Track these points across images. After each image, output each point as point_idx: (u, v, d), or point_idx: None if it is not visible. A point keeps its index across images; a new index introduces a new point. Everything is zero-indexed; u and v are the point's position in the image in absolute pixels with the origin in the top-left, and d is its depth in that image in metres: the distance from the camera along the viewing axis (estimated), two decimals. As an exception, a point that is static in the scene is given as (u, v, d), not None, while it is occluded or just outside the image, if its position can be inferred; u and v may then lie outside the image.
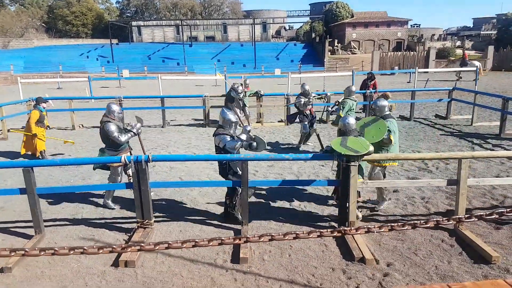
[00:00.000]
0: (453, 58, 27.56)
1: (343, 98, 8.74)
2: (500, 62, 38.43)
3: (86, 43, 54.38)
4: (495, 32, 58.34)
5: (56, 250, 2.23)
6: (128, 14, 69.24)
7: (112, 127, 5.78)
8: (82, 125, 12.81)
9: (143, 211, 5.07)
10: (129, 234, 5.17)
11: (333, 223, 5.38)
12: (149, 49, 49.28)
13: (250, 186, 5.12)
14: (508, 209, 2.12)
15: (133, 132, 6.04)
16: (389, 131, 5.44)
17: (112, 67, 37.55)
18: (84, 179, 7.53)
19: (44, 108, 9.06)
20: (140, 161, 4.84)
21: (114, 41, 48.81)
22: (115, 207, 6.04)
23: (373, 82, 14.05)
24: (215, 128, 5.47)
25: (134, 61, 43.37)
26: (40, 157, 8.84)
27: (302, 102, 9.30)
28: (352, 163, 4.80)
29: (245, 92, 12.34)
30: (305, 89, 9.61)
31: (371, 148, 4.83)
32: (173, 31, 58.16)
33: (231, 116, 5.32)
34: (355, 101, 8.71)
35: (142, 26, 58.54)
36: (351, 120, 5.35)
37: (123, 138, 5.83)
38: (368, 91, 13.23)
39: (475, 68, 21.45)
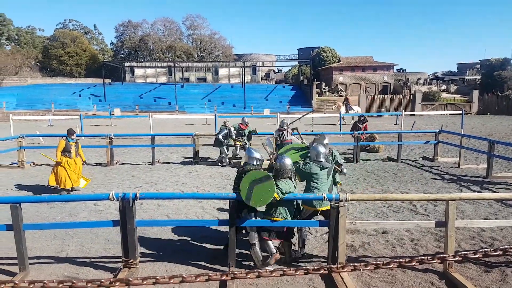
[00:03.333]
0: (340, 104, 28.59)
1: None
2: (485, 106, 39.69)
3: (79, 82, 55.10)
4: (479, 77, 60.52)
5: (45, 283, 2.25)
6: (122, 55, 70.76)
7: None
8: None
9: (129, 250, 4.96)
10: (114, 274, 5.03)
11: (322, 263, 5.32)
12: (141, 89, 50.04)
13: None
14: (492, 249, 2.15)
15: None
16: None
17: (104, 106, 37.86)
18: (71, 216, 7.40)
19: (73, 139, 9.24)
20: (127, 198, 4.78)
21: (107, 80, 49.49)
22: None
23: (364, 125, 14.35)
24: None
25: (126, 100, 43.87)
26: (65, 192, 9.09)
27: None
28: (341, 204, 4.83)
29: (244, 130, 13.02)
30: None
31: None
32: (165, 72, 59.33)
33: (256, 154, 5.60)
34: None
35: (135, 66, 59.69)
36: (287, 161, 5.24)
37: None
38: (357, 132, 13.48)
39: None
